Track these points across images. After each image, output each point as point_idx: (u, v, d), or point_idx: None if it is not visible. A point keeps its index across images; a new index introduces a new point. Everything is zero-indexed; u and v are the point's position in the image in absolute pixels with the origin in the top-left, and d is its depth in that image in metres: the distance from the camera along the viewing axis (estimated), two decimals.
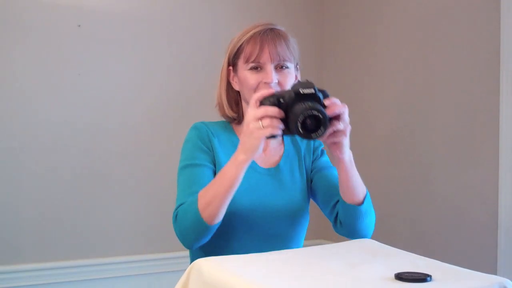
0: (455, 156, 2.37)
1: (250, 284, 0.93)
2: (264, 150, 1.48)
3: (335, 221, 1.42)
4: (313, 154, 1.54)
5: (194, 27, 2.77)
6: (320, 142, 1.53)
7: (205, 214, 1.24)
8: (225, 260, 1.08)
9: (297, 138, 1.54)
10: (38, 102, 2.43)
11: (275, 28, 1.42)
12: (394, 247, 1.20)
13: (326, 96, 1.20)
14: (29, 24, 2.41)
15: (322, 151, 1.54)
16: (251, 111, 1.18)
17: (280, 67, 1.39)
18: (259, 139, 1.17)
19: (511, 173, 2.13)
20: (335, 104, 1.18)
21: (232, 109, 1.48)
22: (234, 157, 1.22)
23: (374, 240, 1.25)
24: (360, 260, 1.09)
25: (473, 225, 2.28)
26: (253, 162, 1.43)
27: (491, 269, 2.15)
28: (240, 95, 1.48)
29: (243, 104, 1.47)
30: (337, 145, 1.23)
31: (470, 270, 1.03)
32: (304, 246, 1.50)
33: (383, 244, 1.21)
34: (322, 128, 1.14)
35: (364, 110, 2.88)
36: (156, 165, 2.68)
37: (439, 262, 1.09)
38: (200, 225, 1.25)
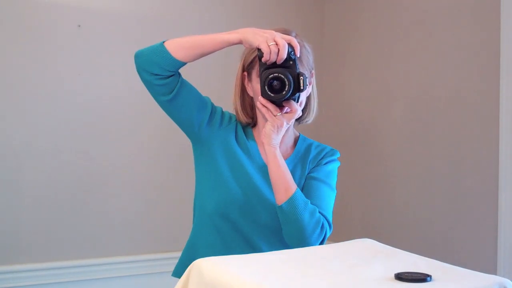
0: (455, 156, 2.37)
1: (250, 284, 0.93)
2: None
3: None
4: (317, 161, 1.54)
5: (194, 27, 2.77)
6: (333, 153, 1.56)
7: (168, 42, 1.38)
8: (225, 260, 1.08)
9: (312, 148, 1.57)
10: (38, 102, 2.43)
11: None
12: (394, 247, 1.20)
13: (305, 81, 1.34)
14: (29, 24, 2.41)
15: (328, 163, 1.54)
16: (278, 34, 1.33)
17: None
18: (257, 44, 1.31)
19: (511, 173, 2.14)
20: (295, 104, 1.35)
21: (247, 115, 1.53)
22: (229, 32, 1.37)
23: (374, 240, 1.25)
24: (360, 260, 1.09)
25: (473, 225, 2.28)
26: (261, 159, 1.50)
27: (491, 269, 2.16)
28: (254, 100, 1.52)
29: (257, 110, 1.52)
30: (265, 128, 1.36)
31: (470, 270, 1.03)
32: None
33: (383, 244, 1.21)
34: (285, 92, 1.31)
35: (364, 110, 2.88)
36: (156, 165, 2.68)
37: (439, 262, 1.09)
38: (159, 47, 1.38)
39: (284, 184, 1.37)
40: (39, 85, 2.43)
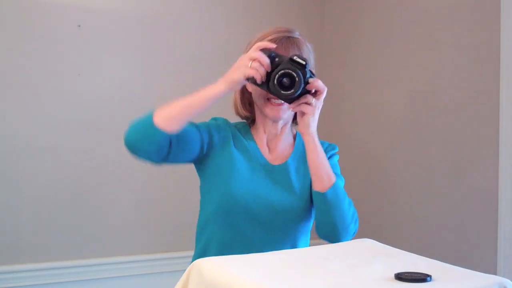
0: (455, 156, 2.37)
1: (250, 284, 0.93)
2: (273, 150, 1.51)
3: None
4: None
5: (194, 27, 2.77)
6: (333, 147, 1.56)
7: (157, 114, 1.29)
8: (225, 260, 1.08)
9: None
10: (38, 102, 2.43)
11: (291, 37, 1.44)
12: (394, 247, 1.20)
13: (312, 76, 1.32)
14: (29, 24, 2.41)
15: (331, 156, 1.54)
16: (250, 51, 1.31)
17: None
18: (242, 75, 1.28)
19: (511, 173, 2.14)
20: (317, 81, 1.31)
21: (245, 109, 1.53)
22: (214, 83, 1.33)
23: (374, 240, 1.25)
24: (360, 260, 1.09)
25: (473, 225, 2.28)
26: (263, 158, 1.49)
27: (491, 269, 2.16)
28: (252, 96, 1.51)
29: (255, 105, 1.51)
30: (303, 118, 1.34)
31: (470, 270, 1.03)
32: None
33: (383, 244, 1.21)
34: (294, 89, 1.27)
35: (363, 110, 2.88)
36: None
37: (439, 262, 1.09)
38: (147, 121, 1.28)
39: (326, 172, 1.37)
40: (39, 85, 2.43)
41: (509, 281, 0.97)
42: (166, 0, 2.72)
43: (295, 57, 1.29)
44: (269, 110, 1.43)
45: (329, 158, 1.53)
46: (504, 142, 2.15)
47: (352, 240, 1.31)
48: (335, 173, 1.48)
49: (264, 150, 1.51)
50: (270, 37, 1.43)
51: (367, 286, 0.94)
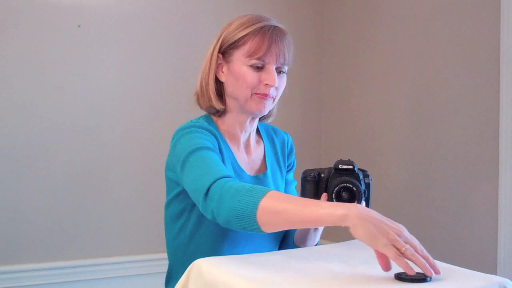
0: (455, 155, 2.37)
1: (250, 284, 0.93)
2: (249, 153, 1.44)
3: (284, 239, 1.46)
4: (287, 159, 1.51)
5: (195, 27, 2.77)
6: (292, 147, 1.52)
7: (262, 216, 1.06)
8: (225, 260, 1.08)
9: (273, 135, 1.51)
10: (38, 102, 2.43)
11: (278, 26, 1.37)
12: None
13: (366, 175, 1.25)
14: (29, 24, 2.41)
15: (293, 163, 1.52)
16: (408, 236, 1.03)
17: (278, 71, 1.34)
18: (374, 243, 0.99)
19: (511, 173, 2.13)
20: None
21: (221, 102, 1.38)
22: (338, 206, 1.03)
23: None
24: (360, 260, 1.09)
25: (473, 225, 2.28)
26: (242, 170, 1.39)
27: (491, 269, 2.16)
28: (223, 86, 1.38)
29: (227, 97, 1.38)
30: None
31: (470, 270, 1.03)
32: None
33: None
34: (356, 201, 1.18)
35: (364, 110, 2.88)
36: (156, 164, 2.68)
37: (439, 262, 1.09)
38: (251, 220, 1.07)
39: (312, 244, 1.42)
40: (39, 85, 2.43)
41: (509, 281, 0.97)
42: (166, 0, 2.72)
43: (339, 166, 1.17)
44: (254, 104, 1.31)
45: (290, 169, 1.51)
46: (504, 143, 2.15)
47: (352, 240, 1.31)
48: (291, 180, 1.50)
49: (241, 158, 1.40)
50: (256, 25, 1.33)
51: (367, 286, 0.94)
